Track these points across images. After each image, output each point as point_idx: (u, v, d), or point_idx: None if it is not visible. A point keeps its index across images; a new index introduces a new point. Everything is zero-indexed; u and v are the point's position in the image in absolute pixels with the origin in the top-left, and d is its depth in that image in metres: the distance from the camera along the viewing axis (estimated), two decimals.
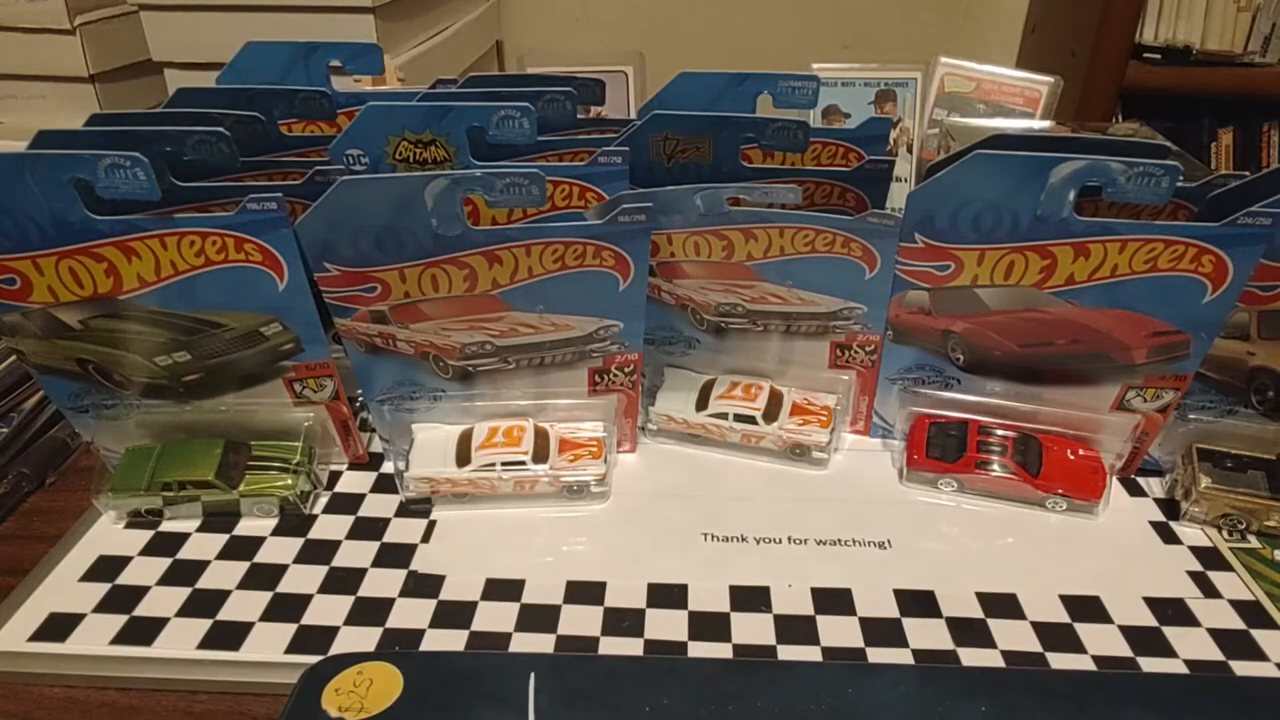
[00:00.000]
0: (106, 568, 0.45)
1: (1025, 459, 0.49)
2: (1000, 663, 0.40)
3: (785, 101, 0.55)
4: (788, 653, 0.40)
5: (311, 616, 0.42)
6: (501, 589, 0.43)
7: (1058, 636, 0.41)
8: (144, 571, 0.45)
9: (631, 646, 0.40)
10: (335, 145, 0.48)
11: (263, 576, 0.44)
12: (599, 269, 0.45)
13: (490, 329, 0.47)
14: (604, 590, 0.43)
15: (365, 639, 0.41)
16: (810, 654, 0.40)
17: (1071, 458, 0.49)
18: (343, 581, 0.44)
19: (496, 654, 0.40)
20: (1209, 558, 0.46)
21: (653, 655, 0.40)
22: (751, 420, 0.52)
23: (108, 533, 0.47)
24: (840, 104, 0.78)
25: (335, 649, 0.40)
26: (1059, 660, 0.40)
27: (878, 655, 0.40)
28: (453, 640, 0.41)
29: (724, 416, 0.52)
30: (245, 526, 0.48)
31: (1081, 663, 0.40)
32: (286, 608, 0.42)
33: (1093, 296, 0.45)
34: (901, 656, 0.40)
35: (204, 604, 0.43)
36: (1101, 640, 0.41)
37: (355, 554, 0.46)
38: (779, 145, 0.51)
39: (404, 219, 0.42)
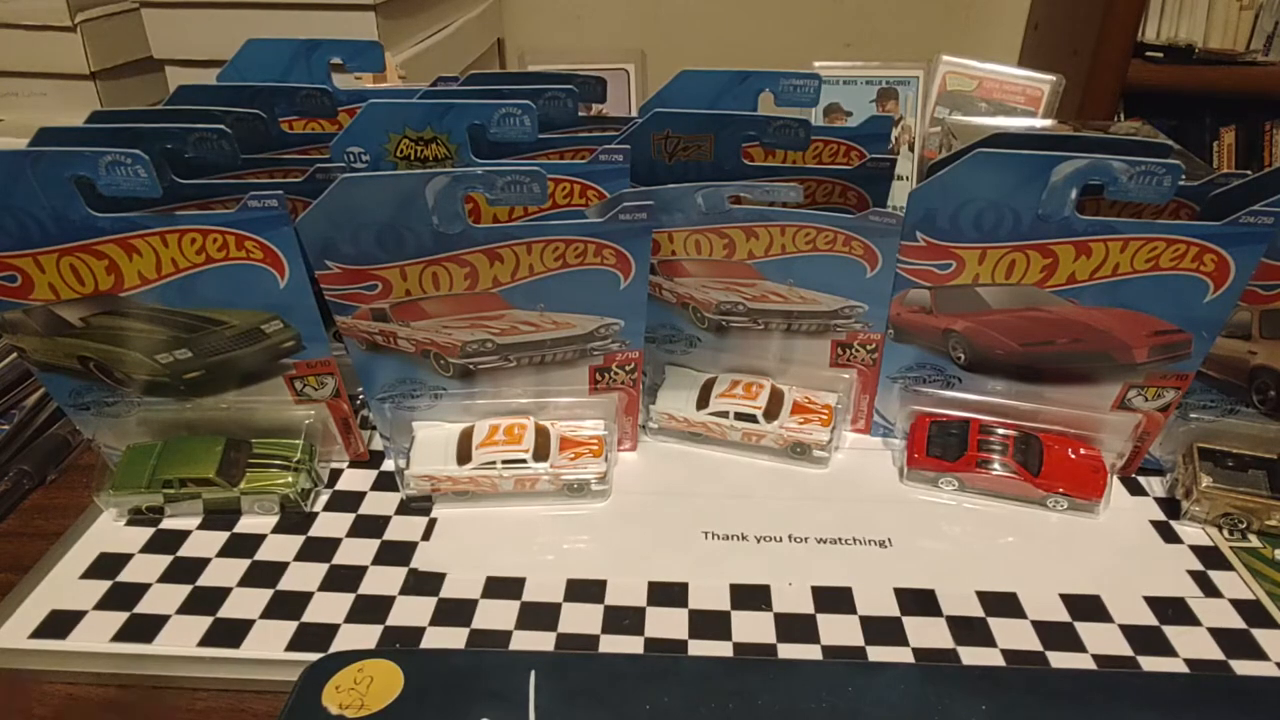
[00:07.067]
0: (107, 565, 0.45)
1: (1026, 458, 0.48)
2: (1000, 661, 0.40)
3: (787, 100, 0.55)
4: (788, 651, 0.40)
5: (312, 614, 0.42)
6: (502, 587, 0.44)
7: (1058, 635, 0.41)
8: (145, 569, 0.45)
9: (632, 644, 0.40)
10: (336, 143, 0.48)
11: (263, 574, 0.44)
12: (600, 267, 0.45)
13: (491, 327, 0.47)
14: (604, 588, 0.43)
15: (366, 636, 0.41)
16: (810, 652, 0.40)
17: (1072, 457, 0.49)
18: (343, 579, 0.44)
19: (497, 652, 0.40)
20: (1210, 557, 0.46)
21: (653, 653, 0.40)
22: (752, 419, 0.52)
23: (108, 530, 0.47)
24: (842, 102, 0.78)
25: (336, 646, 0.40)
26: (1059, 659, 0.40)
27: (878, 654, 0.40)
28: (453, 638, 0.41)
29: (725, 415, 0.52)
30: (246, 524, 0.48)
31: (1082, 662, 0.40)
32: (287, 605, 0.42)
33: (1094, 295, 0.45)
34: (902, 655, 0.40)
35: (205, 601, 0.43)
36: (1102, 639, 0.41)
37: (356, 552, 0.46)
38: (780, 143, 0.51)
39: (405, 217, 0.42)
